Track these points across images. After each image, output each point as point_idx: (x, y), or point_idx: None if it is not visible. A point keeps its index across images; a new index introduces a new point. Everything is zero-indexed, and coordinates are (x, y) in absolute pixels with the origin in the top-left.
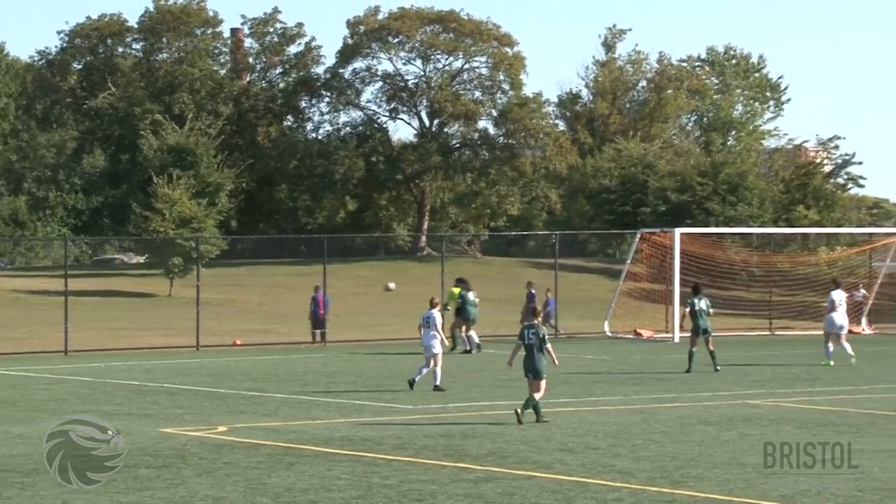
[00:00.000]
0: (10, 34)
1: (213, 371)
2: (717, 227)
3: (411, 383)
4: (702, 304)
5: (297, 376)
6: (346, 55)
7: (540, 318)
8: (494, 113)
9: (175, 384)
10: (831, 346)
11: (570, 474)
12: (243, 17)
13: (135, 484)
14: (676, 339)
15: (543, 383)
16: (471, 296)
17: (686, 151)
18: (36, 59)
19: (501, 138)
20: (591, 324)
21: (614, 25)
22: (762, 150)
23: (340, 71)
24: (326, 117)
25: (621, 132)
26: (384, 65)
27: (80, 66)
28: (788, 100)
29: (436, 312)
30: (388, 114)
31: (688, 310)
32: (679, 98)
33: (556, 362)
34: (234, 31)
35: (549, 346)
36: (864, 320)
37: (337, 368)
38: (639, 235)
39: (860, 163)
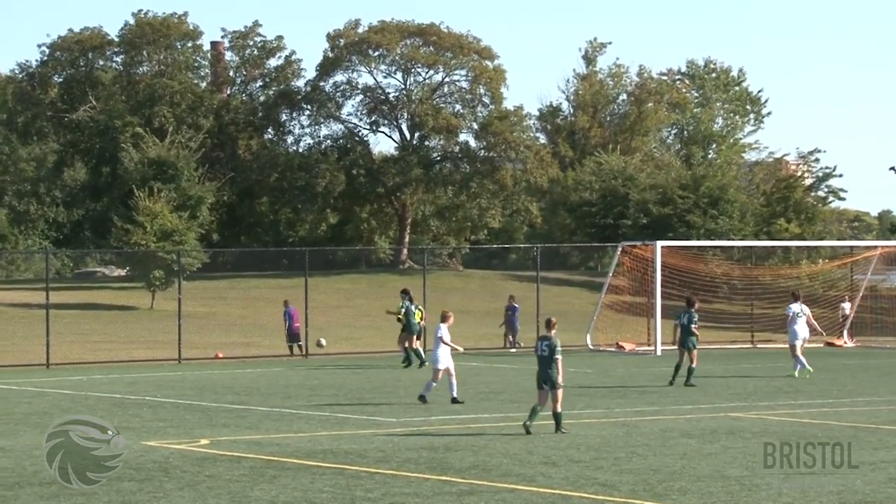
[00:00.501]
0: None
1: (195, 384)
2: (698, 240)
3: (422, 398)
4: (684, 318)
5: (279, 389)
6: (326, 68)
7: (554, 330)
8: (475, 126)
9: (157, 397)
10: (803, 357)
11: (553, 487)
12: (223, 30)
13: (118, 497)
14: (659, 352)
15: (560, 393)
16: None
17: (667, 164)
18: (16, 72)
19: (482, 151)
20: (573, 337)
21: (595, 39)
22: (743, 163)
23: (321, 84)
24: (307, 130)
25: (602, 145)
26: (364, 78)
27: (60, 80)
28: (769, 113)
29: (443, 326)
30: (368, 127)
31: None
32: (659, 111)
33: (561, 379)
34: (214, 44)
35: (559, 357)
36: (845, 333)
37: (319, 381)
38: (620, 248)
39: (841, 176)
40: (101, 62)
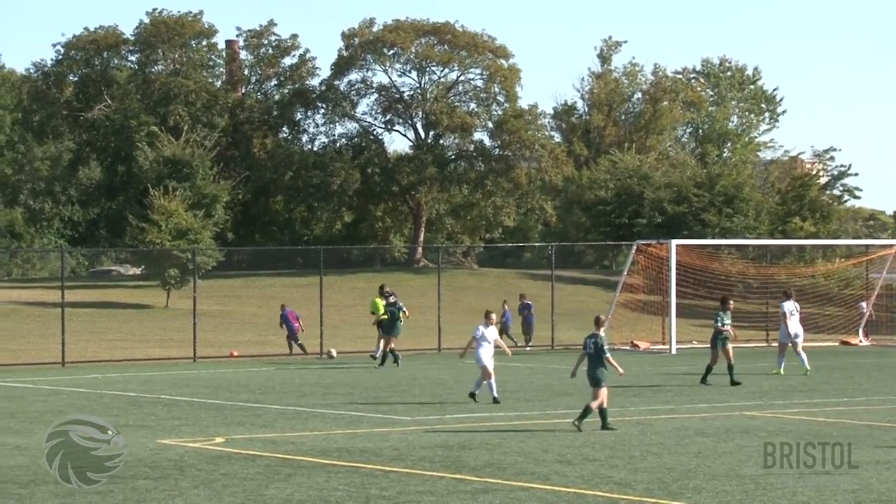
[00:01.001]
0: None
1: (210, 382)
2: (713, 238)
3: (473, 396)
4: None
5: (293, 388)
6: (341, 67)
7: (602, 328)
8: (490, 125)
9: (172, 395)
10: (784, 357)
11: (567, 486)
12: (238, 28)
13: (133, 495)
14: (673, 351)
15: (603, 391)
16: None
17: (682, 163)
18: (32, 71)
19: (497, 150)
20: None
21: (610, 37)
22: (758, 161)
23: (336, 83)
24: (322, 129)
25: (617, 144)
26: (379, 76)
27: (75, 79)
28: (784, 111)
29: (485, 326)
30: (383, 125)
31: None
32: (674, 110)
33: (621, 370)
34: (229, 42)
35: (608, 355)
36: (860, 332)
37: (333, 380)
38: (635, 247)
39: (856, 174)
40: (116, 61)
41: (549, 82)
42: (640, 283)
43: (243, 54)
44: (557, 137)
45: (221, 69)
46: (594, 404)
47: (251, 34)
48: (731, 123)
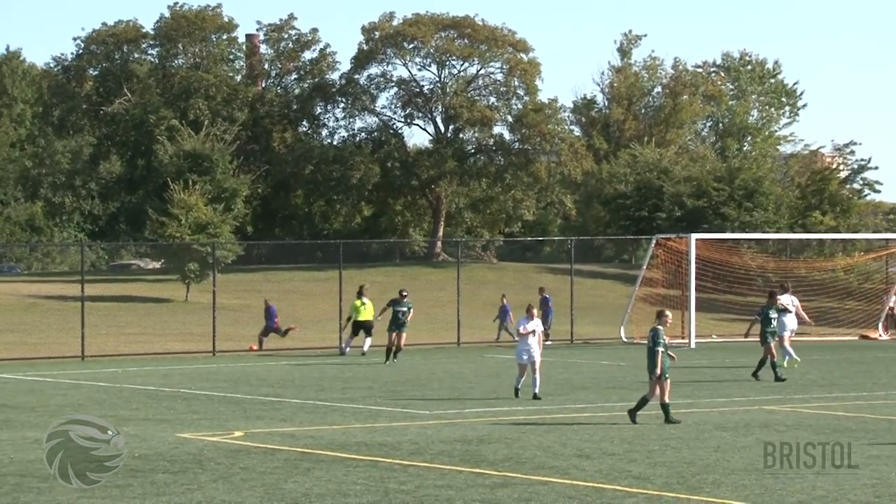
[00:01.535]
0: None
1: (229, 376)
2: (732, 232)
3: (516, 392)
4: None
5: (312, 381)
6: (360, 61)
7: (661, 322)
8: (510, 118)
9: (191, 389)
10: (790, 348)
11: (586, 480)
12: (258, 23)
13: (152, 489)
14: (693, 345)
15: (666, 384)
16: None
17: (702, 157)
18: (52, 65)
19: (516, 144)
20: (606, 330)
21: (630, 31)
22: (778, 155)
23: (355, 77)
24: (342, 123)
25: (636, 138)
26: (399, 70)
27: (95, 73)
28: (804, 105)
29: (527, 321)
30: (403, 119)
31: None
32: (694, 104)
33: (674, 356)
34: (249, 36)
35: (658, 348)
36: (880, 326)
37: (352, 374)
38: (654, 241)
39: (876, 168)
40: (137, 55)
41: (569, 76)
42: (659, 277)
43: (263, 48)
44: (577, 131)
45: (241, 63)
46: (664, 397)
47: (271, 28)
48: (751, 117)
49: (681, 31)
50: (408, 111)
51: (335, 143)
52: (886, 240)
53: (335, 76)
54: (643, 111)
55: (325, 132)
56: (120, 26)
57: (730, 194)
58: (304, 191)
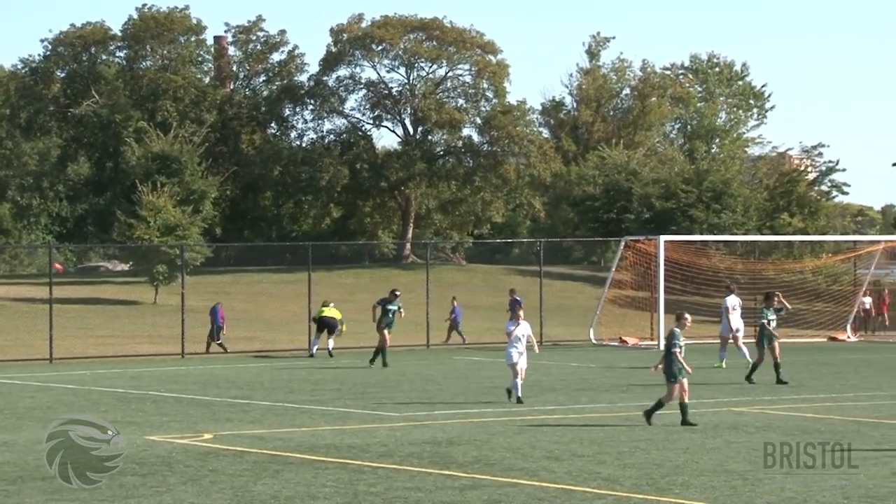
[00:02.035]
0: None
1: (198, 378)
2: (701, 234)
3: (508, 392)
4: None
5: (282, 384)
6: (329, 63)
7: (679, 324)
8: (478, 120)
9: (160, 391)
10: (725, 351)
11: (556, 482)
12: (227, 24)
13: (121, 491)
14: (662, 347)
15: (678, 386)
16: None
17: (670, 159)
18: (19, 67)
19: (485, 146)
20: (576, 331)
21: (598, 33)
22: (746, 157)
23: (324, 79)
24: (310, 125)
25: (605, 140)
26: (368, 72)
27: (63, 74)
28: (772, 107)
29: (514, 323)
30: (371, 121)
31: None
32: (663, 106)
33: (688, 368)
34: (217, 38)
35: (674, 350)
36: (848, 328)
37: (322, 376)
38: (623, 243)
39: (844, 170)
40: (104, 57)
41: (538, 78)
42: (628, 278)
43: (231, 50)
44: (546, 133)
45: (210, 65)
46: (667, 399)
47: (239, 30)
48: (719, 119)
49: (649, 34)
50: (376, 113)
51: (304, 144)
52: (854, 241)
53: (304, 78)
54: (612, 113)
55: (293, 134)
56: (88, 28)
57: (698, 196)
58: (273, 193)
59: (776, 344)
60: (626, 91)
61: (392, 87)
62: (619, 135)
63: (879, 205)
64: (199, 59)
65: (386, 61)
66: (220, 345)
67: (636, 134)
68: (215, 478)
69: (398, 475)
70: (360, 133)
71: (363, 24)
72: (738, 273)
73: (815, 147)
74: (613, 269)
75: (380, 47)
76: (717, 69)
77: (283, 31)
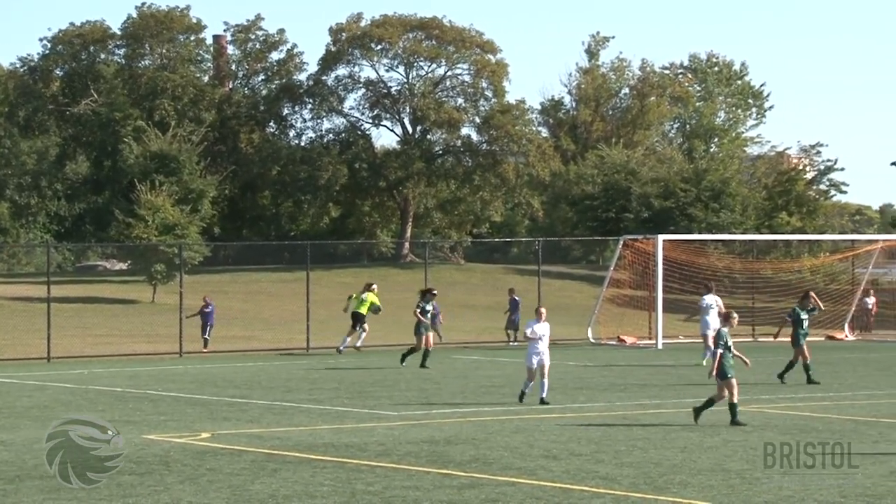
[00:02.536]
0: None
1: (196, 377)
2: (699, 233)
3: (521, 395)
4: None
5: (280, 383)
6: (328, 62)
7: (728, 322)
8: (477, 120)
9: (158, 391)
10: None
11: (553, 481)
12: (226, 23)
13: (118, 491)
14: (660, 346)
15: (728, 384)
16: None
17: (669, 158)
18: (18, 65)
19: (484, 145)
20: (574, 330)
21: (597, 33)
22: (745, 156)
23: (323, 78)
24: (309, 124)
25: (604, 139)
26: (367, 72)
27: (62, 73)
28: (771, 107)
29: (536, 322)
30: (370, 121)
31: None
32: (662, 105)
33: (748, 362)
34: (216, 37)
35: (718, 350)
36: (846, 327)
37: (320, 375)
38: (622, 242)
39: (842, 169)
40: (103, 55)
41: (537, 77)
42: (626, 278)
43: (230, 49)
44: (545, 132)
45: (209, 64)
46: (718, 397)
47: (238, 29)
48: (718, 119)
49: (648, 33)
50: (375, 112)
51: (303, 144)
52: (852, 241)
53: (303, 77)
54: (611, 112)
55: (292, 133)
56: (87, 26)
57: (697, 195)
58: (272, 192)
59: (804, 344)
60: (626, 90)
61: (391, 87)
62: (618, 134)
63: (877, 204)
64: (198, 58)
65: (385, 60)
66: (205, 339)
67: (635, 133)
68: (213, 477)
69: (396, 474)
70: (359, 132)
71: (362, 24)
72: (736, 272)
73: (813, 146)
74: (612, 268)
75: (379, 46)
76: (716, 69)
77: (282, 31)
